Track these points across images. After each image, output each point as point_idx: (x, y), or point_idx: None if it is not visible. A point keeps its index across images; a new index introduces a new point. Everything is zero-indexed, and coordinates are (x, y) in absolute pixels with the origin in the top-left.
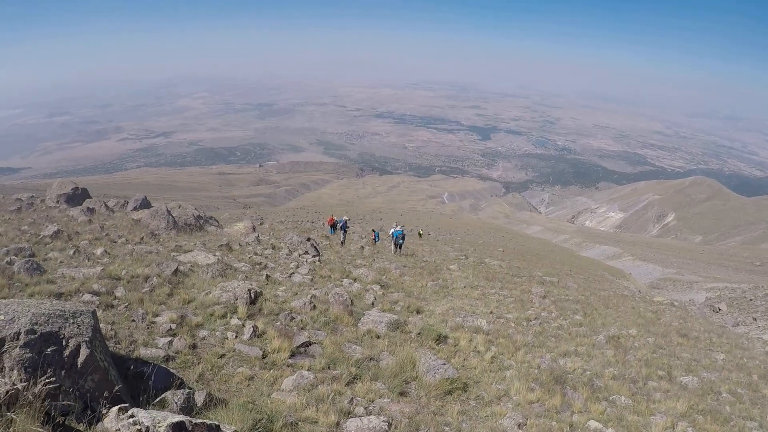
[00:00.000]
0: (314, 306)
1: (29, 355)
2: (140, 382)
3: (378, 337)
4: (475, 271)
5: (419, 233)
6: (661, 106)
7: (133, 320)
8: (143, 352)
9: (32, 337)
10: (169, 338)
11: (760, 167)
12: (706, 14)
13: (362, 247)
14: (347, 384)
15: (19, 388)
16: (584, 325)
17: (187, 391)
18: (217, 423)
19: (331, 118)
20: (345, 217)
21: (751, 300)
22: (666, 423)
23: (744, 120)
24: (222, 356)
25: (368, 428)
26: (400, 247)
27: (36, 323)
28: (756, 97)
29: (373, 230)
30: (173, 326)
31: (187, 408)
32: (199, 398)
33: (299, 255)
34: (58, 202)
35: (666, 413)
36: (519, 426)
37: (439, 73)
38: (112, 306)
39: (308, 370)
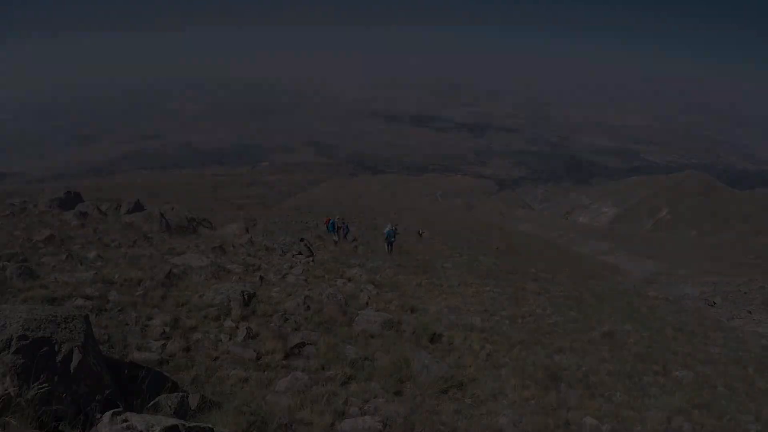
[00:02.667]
0: (308, 306)
1: (21, 361)
2: (134, 386)
3: (372, 337)
4: (469, 269)
5: (419, 233)
6: (655, 102)
7: (127, 324)
8: (137, 356)
9: (24, 342)
10: (163, 341)
11: (753, 161)
12: (706, 13)
13: (356, 247)
14: (342, 384)
15: (12, 394)
16: (579, 321)
17: (181, 394)
18: (211, 426)
19: (323, 118)
20: (337, 217)
21: (745, 293)
22: (662, 418)
23: (737, 115)
24: (216, 359)
25: (363, 428)
26: (392, 245)
27: (28, 329)
28: (750, 93)
29: (345, 222)
30: (167, 329)
31: (181, 411)
32: (193, 401)
33: (293, 256)
34: (50, 206)
35: (662, 408)
36: (515, 423)
37: (436, 71)
38: (105, 310)
39: (302, 371)
